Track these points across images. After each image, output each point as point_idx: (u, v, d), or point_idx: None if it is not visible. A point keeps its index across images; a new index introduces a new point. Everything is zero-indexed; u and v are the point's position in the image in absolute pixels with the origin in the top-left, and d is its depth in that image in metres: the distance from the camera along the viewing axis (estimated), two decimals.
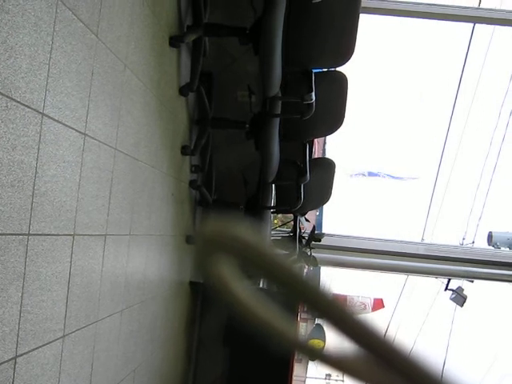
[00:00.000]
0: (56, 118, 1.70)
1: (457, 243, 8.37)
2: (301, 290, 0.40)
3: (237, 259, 0.43)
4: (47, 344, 1.76)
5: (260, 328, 0.41)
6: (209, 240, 0.43)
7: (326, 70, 3.81)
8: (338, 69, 3.73)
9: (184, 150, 3.54)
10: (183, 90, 3.35)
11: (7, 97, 1.43)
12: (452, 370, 0.38)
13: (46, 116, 1.64)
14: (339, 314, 0.38)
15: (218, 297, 0.42)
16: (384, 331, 0.38)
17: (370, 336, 0.38)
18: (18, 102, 1.48)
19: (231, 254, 0.42)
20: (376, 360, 0.38)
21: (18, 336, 1.57)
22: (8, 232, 1.47)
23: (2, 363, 1.49)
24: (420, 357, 0.38)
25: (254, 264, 0.41)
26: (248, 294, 0.43)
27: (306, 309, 0.40)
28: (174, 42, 3.02)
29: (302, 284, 0.40)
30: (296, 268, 0.40)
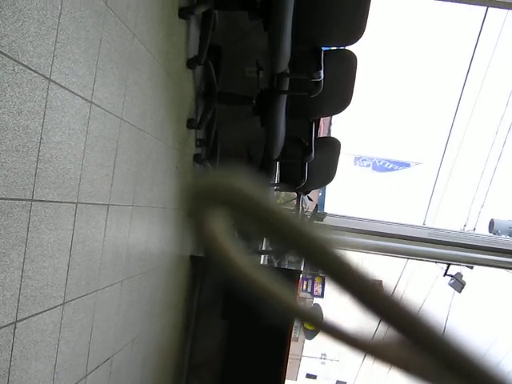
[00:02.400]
0: (63, 85, 1.69)
1: (458, 230, 8.37)
2: (303, 243, 0.36)
3: (232, 212, 0.39)
4: (47, 310, 1.77)
5: (254, 291, 0.39)
6: (201, 191, 0.40)
7: (335, 48, 3.77)
8: (347, 48, 3.70)
9: (190, 124, 3.52)
10: (191, 63, 3.32)
11: (14, 60, 1.41)
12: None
13: (53, 82, 1.63)
14: (342, 267, 0.35)
15: (210, 255, 0.39)
16: (391, 290, 0.35)
17: (376, 293, 0.35)
18: (25, 66, 1.47)
19: (225, 207, 0.39)
20: (382, 322, 0.35)
21: (18, 301, 1.57)
22: (11, 197, 1.47)
23: (2, 327, 1.50)
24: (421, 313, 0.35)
25: (250, 216, 0.37)
26: (241, 254, 0.40)
27: (307, 262, 0.37)
28: (184, 13, 2.98)
29: (305, 236, 0.36)
30: (297, 219, 0.36)
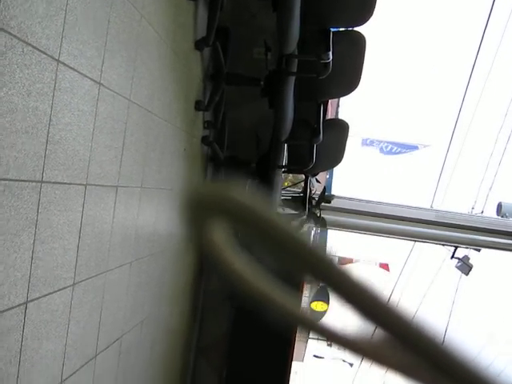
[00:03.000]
0: (71, 66, 1.69)
1: (466, 212, 8.34)
2: (303, 256, 0.37)
3: (232, 222, 0.39)
4: (57, 291, 1.78)
5: (257, 300, 0.39)
6: (201, 201, 0.40)
7: (344, 29, 3.74)
8: (356, 29, 3.67)
9: (198, 105, 3.51)
10: (199, 44, 3.30)
11: (23, 41, 1.41)
12: (453, 338, 0.37)
13: (62, 63, 1.62)
14: (344, 281, 0.36)
15: (211, 263, 0.39)
16: (388, 298, 0.36)
17: (376, 304, 0.36)
18: (34, 47, 1.47)
19: (225, 217, 0.39)
20: (381, 331, 0.36)
21: (29, 282, 1.58)
22: (22, 178, 1.48)
23: (13, 308, 1.51)
24: (418, 319, 0.36)
25: (251, 227, 0.38)
26: (243, 263, 0.40)
27: (307, 275, 0.37)
28: None
29: (304, 249, 0.36)
30: (298, 232, 0.37)
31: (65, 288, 1.84)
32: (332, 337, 0.38)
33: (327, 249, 0.36)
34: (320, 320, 0.40)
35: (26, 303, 1.58)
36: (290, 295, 0.39)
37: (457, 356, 0.35)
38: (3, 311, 1.46)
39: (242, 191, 0.38)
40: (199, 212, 0.40)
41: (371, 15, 3.41)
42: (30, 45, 1.44)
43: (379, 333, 0.36)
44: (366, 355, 0.38)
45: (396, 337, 0.36)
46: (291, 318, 0.41)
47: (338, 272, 0.36)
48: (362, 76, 3.78)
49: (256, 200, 0.37)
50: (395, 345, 0.36)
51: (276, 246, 0.37)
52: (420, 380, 0.37)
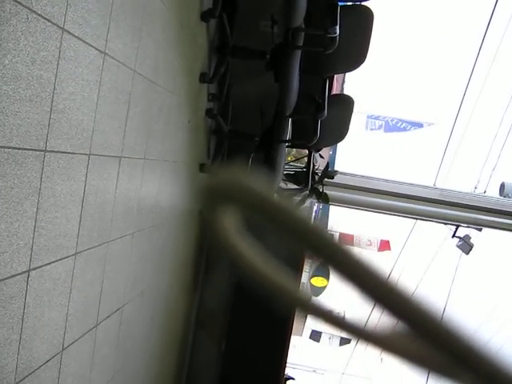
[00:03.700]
0: (76, 35, 1.67)
1: (469, 191, 8.34)
2: (310, 239, 0.38)
3: (243, 210, 0.41)
4: (60, 260, 1.79)
5: (264, 285, 0.41)
6: (215, 189, 0.42)
7: (351, 3, 3.70)
8: (364, 3, 3.62)
9: (202, 78, 3.49)
10: (205, 16, 3.27)
11: (28, 8, 1.39)
12: (452, 315, 0.37)
13: (67, 32, 1.61)
14: (348, 262, 0.37)
15: (222, 250, 0.41)
16: (388, 275, 0.36)
17: (379, 283, 0.36)
18: (39, 14, 1.45)
19: (237, 205, 0.41)
20: (383, 310, 0.37)
21: (31, 250, 1.59)
22: (25, 147, 1.47)
23: (16, 275, 1.52)
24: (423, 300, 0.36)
25: (262, 214, 0.39)
26: (252, 250, 0.41)
27: (312, 257, 0.38)
28: None
29: (311, 232, 0.37)
30: (304, 215, 0.38)
31: (67, 257, 1.85)
32: (333, 322, 0.39)
33: (328, 227, 0.37)
34: (322, 305, 0.40)
35: (28, 271, 1.59)
36: (293, 280, 0.40)
37: (456, 331, 0.35)
38: (6, 278, 1.47)
39: (249, 177, 0.39)
40: (212, 199, 0.42)
41: None
42: (34, 12, 1.43)
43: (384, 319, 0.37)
44: (368, 340, 0.38)
45: (396, 314, 0.36)
46: (295, 303, 0.42)
47: (341, 252, 0.37)
48: (369, 52, 3.75)
49: (262, 185, 0.39)
50: (403, 330, 0.37)
51: (282, 229, 0.38)
52: (431, 368, 0.37)
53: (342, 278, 0.36)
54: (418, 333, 0.36)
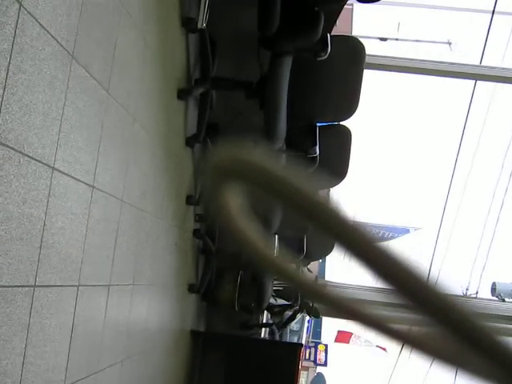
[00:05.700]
0: (66, 172, 1.75)
1: (460, 294, 8.32)
2: (321, 216, 0.35)
3: (250, 187, 0.39)
4: None
5: (264, 266, 0.39)
6: (220, 165, 0.39)
7: (330, 123, 3.88)
8: (341, 123, 3.80)
9: (189, 200, 3.58)
10: (190, 141, 3.41)
11: (20, 152, 1.47)
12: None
13: (57, 170, 1.69)
14: (360, 240, 0.34)
15: (223, 229, 0.39)
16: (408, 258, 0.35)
17: (393, 263, 0.34)
18: (30, 157, 1.53)
19: (244, 182, 0.39)
20: (398, 294, 0.35)
21: None
22: (15, 284, 1.50)
23: None
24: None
25: (267, 191, 0.37)
26: (254, 231, 0.40)
27: (325, 233, 0.35)
28: (182, 95, 3.09)
29: (323, 209, 0.35)
30: (317, 192, 0.35)
31: None
32: (343, 309, 0.38)
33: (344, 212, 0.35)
34: (332, 291, 0.39)
35: None
36: (297, 265, 0.38)
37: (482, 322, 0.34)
38: None
39: (260, 156, 0.37)
40: (217, 176, 0.40)
41: (355, 110, 3.55)
42: (26, 155, 1.51)
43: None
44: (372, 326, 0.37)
45: (421, 306, 0.35)
46: (301, 288, 0.41)
47: (354, 230, 0.35)
48: (349, 167, 3.89)
49: (268, 161, 0.37)
50: (427, 326, 0.35)
51: (290, 206, 0.36)
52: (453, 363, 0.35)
53: (354, 257, 0.34)
54: (422, 306, 0.35)
